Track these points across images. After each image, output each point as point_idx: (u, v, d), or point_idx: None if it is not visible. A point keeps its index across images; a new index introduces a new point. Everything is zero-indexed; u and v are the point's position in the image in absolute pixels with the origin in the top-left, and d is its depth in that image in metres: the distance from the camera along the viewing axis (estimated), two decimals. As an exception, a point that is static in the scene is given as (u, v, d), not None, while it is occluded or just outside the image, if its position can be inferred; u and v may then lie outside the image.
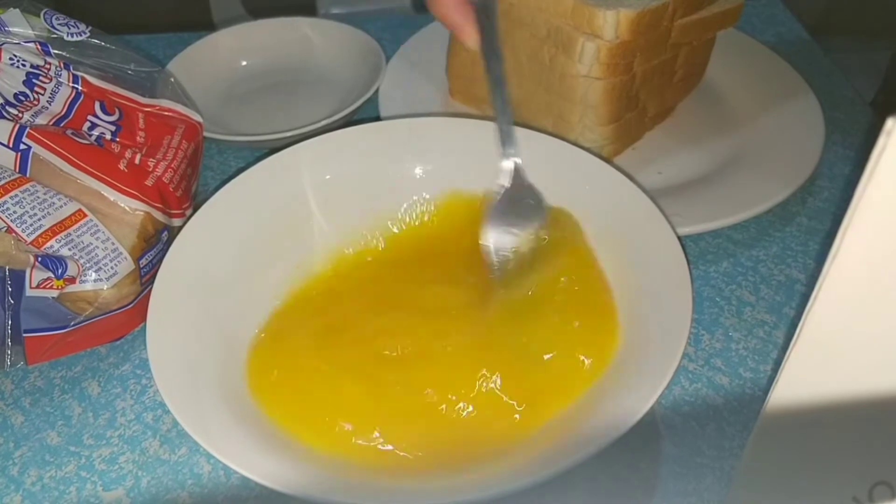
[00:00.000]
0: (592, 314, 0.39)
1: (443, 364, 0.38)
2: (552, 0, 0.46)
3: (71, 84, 0.44)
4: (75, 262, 0.38)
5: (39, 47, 0.44)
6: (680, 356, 0.33)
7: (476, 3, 0.43)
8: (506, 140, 0.42)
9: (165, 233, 0.43)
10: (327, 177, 0.45)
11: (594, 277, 0.40)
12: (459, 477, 0.33)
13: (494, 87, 0.42)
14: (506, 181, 0.42)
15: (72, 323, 0.39)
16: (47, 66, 0.43)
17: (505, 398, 0.36)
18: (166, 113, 0.47)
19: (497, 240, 0.41)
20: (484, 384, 0.37)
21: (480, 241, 0.41)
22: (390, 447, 0.35)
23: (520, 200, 0.42)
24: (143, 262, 0.41)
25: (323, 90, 0.61)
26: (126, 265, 0.40)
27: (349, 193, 0.45)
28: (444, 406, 0.36)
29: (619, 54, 0.46)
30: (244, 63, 0.64)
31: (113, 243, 0.40)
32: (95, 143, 0.42)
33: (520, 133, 0.45)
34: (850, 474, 0.26)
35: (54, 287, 0.38)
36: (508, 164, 0.42)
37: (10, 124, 0.40)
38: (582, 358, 0.37)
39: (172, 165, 0.44)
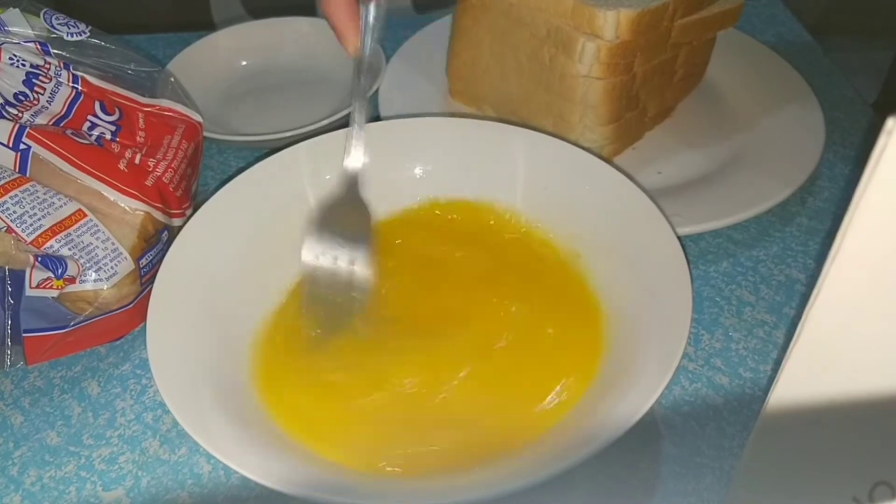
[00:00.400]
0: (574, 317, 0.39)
1: (444, 364, 0.38)
2: (552, 0, 0.46)
3: (71, 84, 0.44)
4: (75, 262, 0.38)
5: (39, 47, 0.44)
6: (680, 356, 0.33)
7: (365, 13, 0.43)
8: (353, 148, 0.43)
9: (165, 233, 0.43)
10: (327, 177, 0.45)
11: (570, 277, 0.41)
12: (460, 477, 0.33)
13: (358, 97, 0.43)
14: (342, 190, 0.43)
15: (72, 323, 0.39)
16: (47, 66, 0.43)
17: (506, 400, 0.37)
18: (166, 113, 0.47)
19: (318, 257, 0.41)
20: (485, 385, 0.37)
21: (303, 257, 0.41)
22: (390, 448, 0.35)
23: (352, 215, 0.42)
24: (143, 262, 0.41)
25: (323, 90, 0.61)
26: (126, 265, 0.40)
27: (349, 193, 0.45)
28: (444, 406, 0.36)
29: (619, 54, 0.46)
30: (244, 63, 0.64)
31: (113, 243, 0.40)
32: (95, 143, 0.42)
33: (519, 133, 0.45)
34: (850, 474, 0.26)
35: (54, 287, 0.38)
36: (351, 172, 0.43)
37: (10, 124, 0.40)
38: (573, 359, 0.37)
39: (172, 165, 0.44)
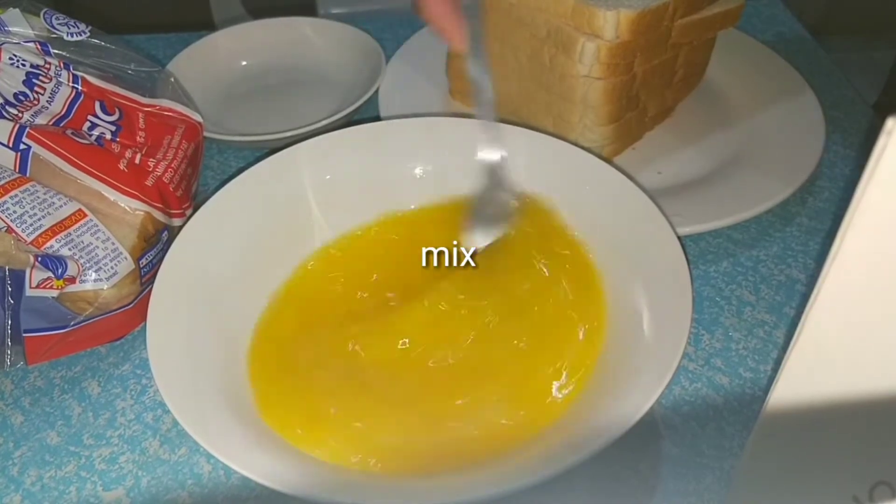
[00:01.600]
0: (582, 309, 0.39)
1: (444, 364, 0.38)
2: (552, 0, 0.46)
3: (71, 84, 0.44)
4: (75, 262, 0.38)
5: (39, 47, 0.44)
6: (680, 356, 0.33)
7: (465, 5, 0.43)
8: (493, 139, 0.43)
9: (165, 233, 0.43)
10: (327, 177, 0.45)
11: (582, 272, 0.41)
12: (460, 477, 0.33)
13: (480, 89, 0.43)
14: (489, 180, 0.44)
15: (72, 323, 0.39)
16: (47, 66, 0.43)
17: (506, 399, 0.37)
18: (166, 113, 0.47)
19: (478, 239, 0.42)
20: (485, 386, 0.37)
21: (463, 243, 0.42)
22: (390, 448, 0.35)
23: (499, 198, 0.43)
24: (143, 262, 0.41)
25: (323, 90, 0.61)
26: (126, 265, 0.40)
27: (349, 193, 0.45)
28: (445, 406, 0.36)
29: (619, 54, 0.46)
30: (244, 63, 0.64)
31: (113, 243, 0.40)
32: (95, 143, 0.42)
33: (519, 133, 0.45)
34: (850, 474, 0.26)
35: (54, 287, 0.38)
36: (493, 162, 0.44)
37: (10, 124, 0.40)
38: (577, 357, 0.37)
39: (172, 165, 0.44)
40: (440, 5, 0.42)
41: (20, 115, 0.41)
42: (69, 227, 0.39)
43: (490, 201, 0.43)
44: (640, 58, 0.48)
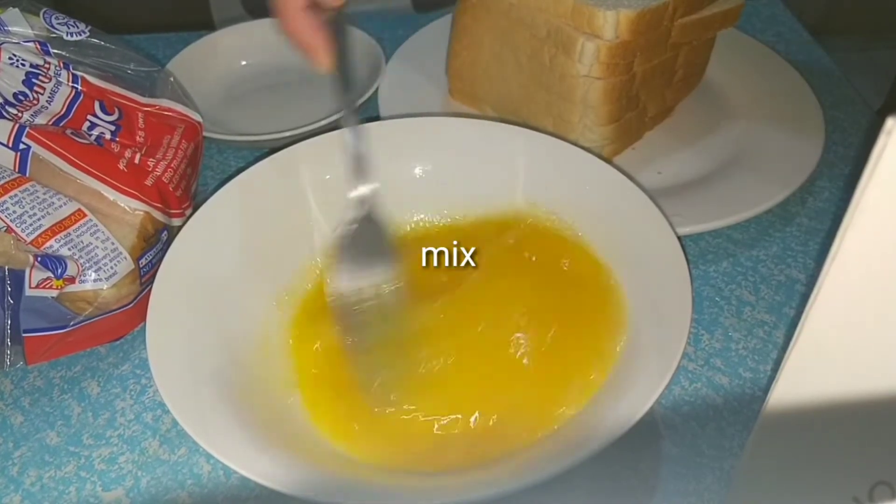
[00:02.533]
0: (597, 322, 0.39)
1: (444, 366, 0.38)
2: (552, 0, 0.46)
3: (70, 83, 0.44)
4: (75, 262, 0.38)
5: (39, 47, 0.44)
6: (680, 356, 0.33)
7: (329, 23, 0.41)
8: (358, 169, 0.40)
9: (165, 233, 0.43)
10: (327, 177, 0.45)
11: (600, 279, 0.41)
12: (460, 477, 0.33)
13: (347, 113, 0.40)
14: (357, 213, 0.40)
15: (71, 323, 0.39)
16: (47, 66, 0.43)
17: (507, 399, 0.37)
18: (166, 113, 0.47)
19: (349, 284, 0.38)
20: (484, 386, 0.37)
21: (330, 288, 0.38)
22: (390, 448, 0.35)
23: (372, 235, 0.39)
24: (143, 261, 0.41)
25: (323, 90, 0.61)
26: (126, 265, 0.40)
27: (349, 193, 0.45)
28: (445, 407, 0.36)
29: (619, 54, 0.46)
30: (244, 63, 0.64)
31: (112, 243, 0.40)
32: (95, 143, 0.42)
33: (519, 133, 0.45)
34: (850, 474, 0.26)
35: (54, 287, 0.38)
36: (361, 194, 0.39)
37: (10, 124, 0.40)
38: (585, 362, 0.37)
39: (172, 165, 0.44)
40: (300, 21, 0.40)
41: (20, 114, 0.41)
42: (69, 226, 0.39)
43: (361, 236, 0.39)
44: (639, 58, 0.48)
